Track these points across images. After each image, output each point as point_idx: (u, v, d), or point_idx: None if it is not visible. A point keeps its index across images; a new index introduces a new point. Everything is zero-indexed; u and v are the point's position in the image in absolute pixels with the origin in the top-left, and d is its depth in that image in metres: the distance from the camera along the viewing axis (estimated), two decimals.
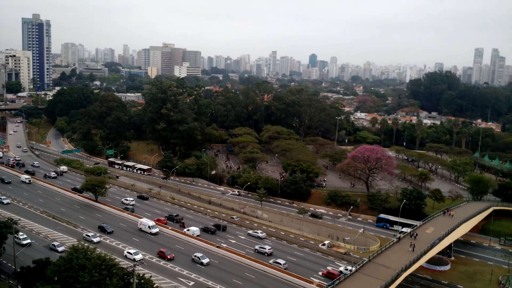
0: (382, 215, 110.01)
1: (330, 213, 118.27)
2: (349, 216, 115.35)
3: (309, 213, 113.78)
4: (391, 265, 69.87)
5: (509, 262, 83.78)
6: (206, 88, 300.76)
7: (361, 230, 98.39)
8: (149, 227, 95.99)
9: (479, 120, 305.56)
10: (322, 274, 79.92)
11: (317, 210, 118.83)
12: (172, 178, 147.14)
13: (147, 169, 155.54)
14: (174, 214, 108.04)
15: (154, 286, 59.91)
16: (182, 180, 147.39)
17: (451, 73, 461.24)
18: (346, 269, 77.56)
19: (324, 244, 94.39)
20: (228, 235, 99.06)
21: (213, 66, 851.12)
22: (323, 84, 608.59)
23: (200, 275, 77.22)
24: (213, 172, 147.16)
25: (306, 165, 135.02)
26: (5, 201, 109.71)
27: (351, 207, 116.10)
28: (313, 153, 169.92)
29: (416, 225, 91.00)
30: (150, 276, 66.99)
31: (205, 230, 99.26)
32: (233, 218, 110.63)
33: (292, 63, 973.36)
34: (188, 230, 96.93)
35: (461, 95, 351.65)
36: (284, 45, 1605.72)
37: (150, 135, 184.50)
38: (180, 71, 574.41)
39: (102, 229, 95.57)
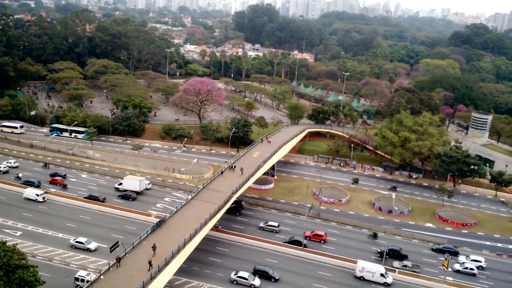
0: (54, 125, 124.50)
1: (165, 146, 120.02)
2: (184, 148, 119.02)
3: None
4: (224, 189, 76.11)
5: (321, 176, 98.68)
6: (15, 17, 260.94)
7: (195, 160, 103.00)
8: None
9: (296, 51, 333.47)
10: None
11: (151, 144, 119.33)
12: None
13: None
14: None
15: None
16: None
17: (271, 6, 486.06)
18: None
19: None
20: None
21: None
22: (150, 14, 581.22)
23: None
24: (33, 112, 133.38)
25: (138, 100, 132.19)
26: None
27: (185, 139, 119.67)
28: (145, 87, 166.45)
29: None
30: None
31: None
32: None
33: None
34: None
35: (280, 27, 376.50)
36: None
37: None
38: None
39: None
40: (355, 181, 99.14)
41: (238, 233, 75.73)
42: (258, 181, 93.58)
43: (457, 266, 70.93)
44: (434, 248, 76.80)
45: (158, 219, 67.92)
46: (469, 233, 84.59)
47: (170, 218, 65.92)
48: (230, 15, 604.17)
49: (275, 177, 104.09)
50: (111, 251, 57.92)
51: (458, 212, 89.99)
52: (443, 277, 66.56)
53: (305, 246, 72.54)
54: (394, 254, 72.44)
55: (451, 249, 75.05)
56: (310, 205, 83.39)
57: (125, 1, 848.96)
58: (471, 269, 70.23)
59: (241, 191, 79.22)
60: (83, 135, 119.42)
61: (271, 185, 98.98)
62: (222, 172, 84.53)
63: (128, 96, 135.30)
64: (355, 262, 67.77)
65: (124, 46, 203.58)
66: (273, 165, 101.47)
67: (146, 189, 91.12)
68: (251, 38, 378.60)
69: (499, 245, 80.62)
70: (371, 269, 65.53)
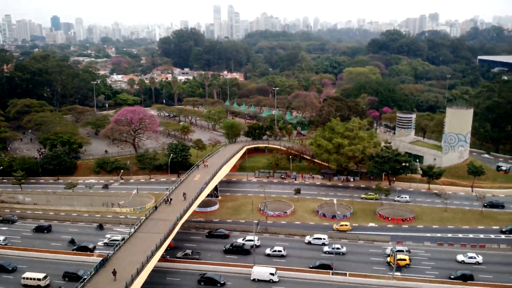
0: None
1: (101, 181, 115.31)
2: (121, 180, 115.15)
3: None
4: (168, 217, 74.28)
5: (264, 190, 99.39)
6: None
7: (134, 192, 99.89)
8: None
9: (225, 72, 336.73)
10: None
11: (86, 181, 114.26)
12: None
13: None
14: None
15: None
16: None
17: (196, 29, 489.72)
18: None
19: None
20: None
21: None
22: (71, 48, 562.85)
23: None
24: None
25: (66, 136, 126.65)
26: None
27: (122, 171, 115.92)
28: (73, 122, 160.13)
29: None
30: None
31: None
32: None
33: (32, 27, 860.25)
34: None
35: (207, 50, 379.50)
36: (20, 7, 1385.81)
37: None
38: None
39: None
40: (297, 191, 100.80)
41: (188, 260, 74.00)
42: (203, 204, 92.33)
43: (268, 251, 76.75)
44: (207, 234, 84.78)
45: (101, 258, 64.77)
46: (409, 227, 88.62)
47: (113, 255, 63.10)
48: (155, 42, 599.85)
49: (219, 197, 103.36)
50: None
51: (396, 209, 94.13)
52: (391, 273, 69.00)
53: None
54: (238, 250, 77.39)
55: (222, 233, 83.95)
56: (257, 221, 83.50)
57: (43, 38, 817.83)
58: (279, 251, 76.55)
59: (186, 216, 77.68)
60: None
61: (216, 206, 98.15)
62: (156, 208, 79.40)
63: (56, 133, 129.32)
64: None
65: (47, 83, 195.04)
66: (216, 186, 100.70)
67: None
68: (179, 63, 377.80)
69: (438, 235, 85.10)
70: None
